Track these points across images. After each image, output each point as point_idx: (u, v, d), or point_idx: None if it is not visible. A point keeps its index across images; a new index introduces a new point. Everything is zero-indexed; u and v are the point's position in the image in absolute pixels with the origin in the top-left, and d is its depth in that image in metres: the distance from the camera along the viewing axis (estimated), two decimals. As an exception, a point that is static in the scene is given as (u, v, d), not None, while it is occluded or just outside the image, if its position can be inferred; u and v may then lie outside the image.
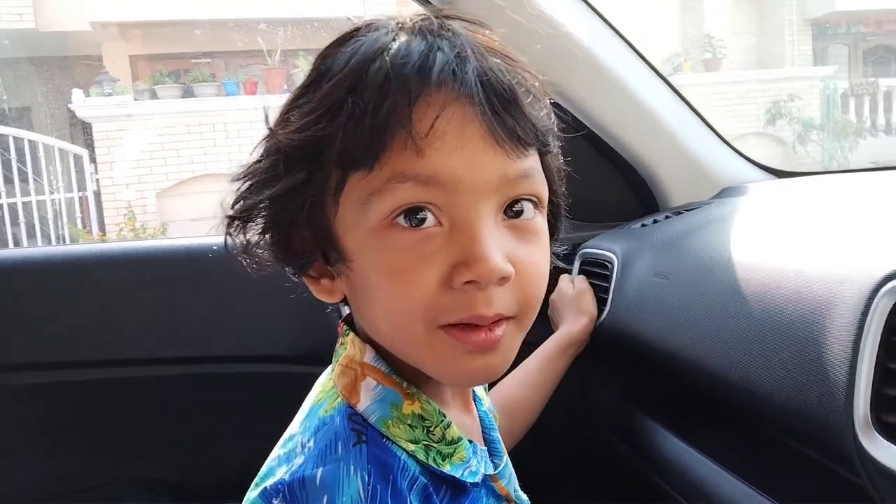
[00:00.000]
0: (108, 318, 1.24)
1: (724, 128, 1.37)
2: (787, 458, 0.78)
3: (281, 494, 0.54)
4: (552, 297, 1.20)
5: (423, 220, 0.54)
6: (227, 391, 1.28)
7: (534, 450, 1.23)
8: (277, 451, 0.60)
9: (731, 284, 0.83)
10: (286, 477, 0.54)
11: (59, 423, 1.27)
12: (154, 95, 6.69)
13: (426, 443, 0.59)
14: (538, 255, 0.59)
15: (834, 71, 8.72)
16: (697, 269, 0.94)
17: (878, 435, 0.61)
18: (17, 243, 5.82)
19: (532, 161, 0.57)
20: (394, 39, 0.55)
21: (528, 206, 0.58)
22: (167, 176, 6.39)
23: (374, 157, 0.52)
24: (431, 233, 0.54)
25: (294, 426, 0.61)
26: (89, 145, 6.29)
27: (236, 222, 0.62)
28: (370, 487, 0.53)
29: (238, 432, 1.23)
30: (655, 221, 1.23)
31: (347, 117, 0.53)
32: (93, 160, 6.21)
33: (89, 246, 1.49)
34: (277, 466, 0.57)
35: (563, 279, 1.22)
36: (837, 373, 0.64)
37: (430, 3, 1.15)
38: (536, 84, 0.58)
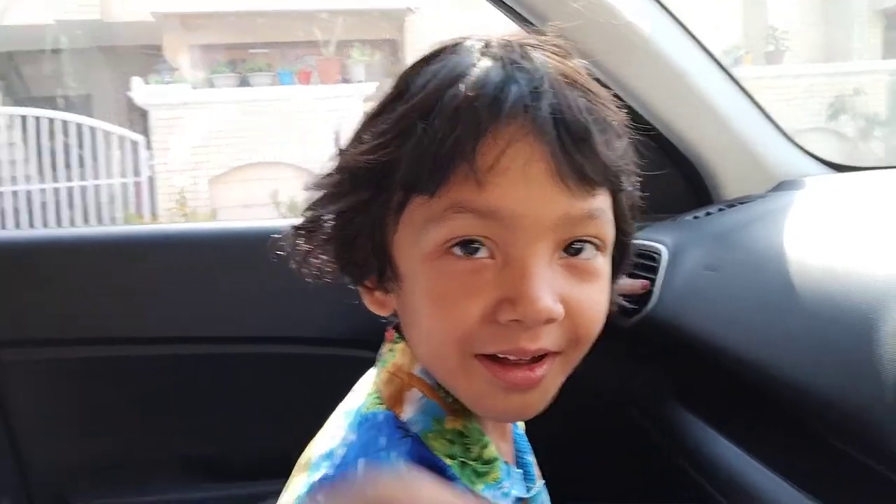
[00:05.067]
0: (152, 297, 1.27)
1: (785, 123, 1.33)
2: (835, 460, 0.76)
3: (324, 490, 0.54)
4: None
5: (477, 250, 0.53)
6: (270, 372, 1.30)
7: (577, 445, 1.21)
8: (320, 446, 0.60)
9: (783, 279, 0.80)
10: (329, 472, 0.55)
11: (100, 398, 1.31)
12: (211, 84, 6.82)
13: (463, 459, 0.59)
14: (595, 294, 0.57)
15: (904, 64, 8.39)
16: (749, 262, 0.92)
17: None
18: (73, 226, 6.00)
19: (600, 201, 0.55)
20: (474, 65, 0.54)
21: (588, 248, 0.56)
22: (220, 163, 6.51)
23: (435, 186, 0.52)
24: (484, 264, 0.53)
25: (336, 422, 0.61)
26: (146, 132, 6.45)
27: (301, 231, 0.63)
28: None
29: (279, 412, 1.25)
30: (708, 214, 1.21)
31: (416, 144, 0.53)
32: (149, 147, 6.37)
33: (135, 227, 1.53)
34: (322, 461, 0.57)
35: None
36: (888, 371, 0.62)
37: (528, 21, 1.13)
38: (617, 121, 0.56)
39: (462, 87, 0.52)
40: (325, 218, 0.61)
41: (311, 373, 1.08)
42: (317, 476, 0.55)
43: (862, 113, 7.49)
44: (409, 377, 0.61)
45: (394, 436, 0.56)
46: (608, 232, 0.57)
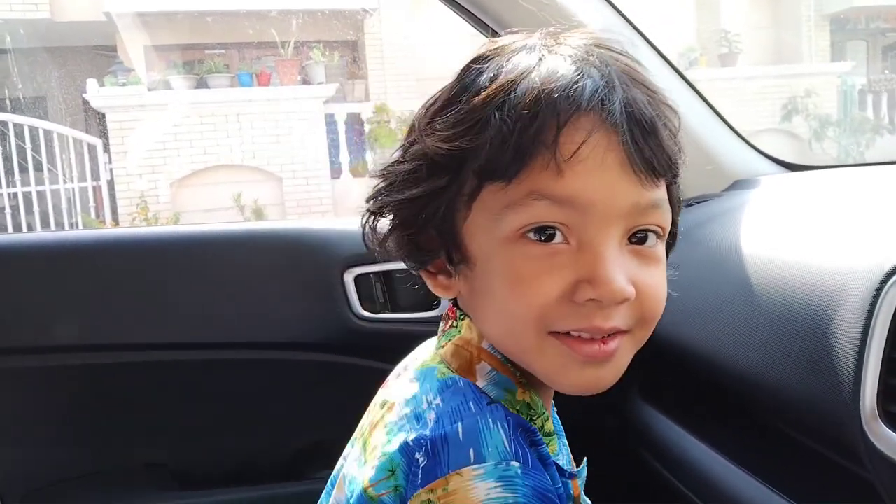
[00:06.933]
0: (116, 303, 1.25)
1: (740, 124, 1.36)
2: (798, 453, 0.78)
3: (424, 449, 0.55)
4: None
5: (552, 236, 0.56)
6: (233, 378, 1.28)
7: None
8: (400, 410, 0.61)
9: (740, 276, 0.82)
10: (427, 433, 0.56)
11: (64, 407, 1.28)
12: (168, 86, 6.69)
13: None
14: (658, 277, 0.61)
15: (852, 67, 8.62)
16: (707, 260, 0.94)
17: (883, 426, 0.61)
18: (31, 231, 5.85)
19: (661, 192, 0.59)
20: (539, 60, 0.58)
21: (651, 236, 0.60)
22: (181, 166, 6.40)
23: (514, 173, 0.55)
24: (559, 248, 0.56)
25: (407, 388, 0.63)
26: (103, 135, 6.31)
27: (371, 216, 0.66)
28: (512, 437, 0.55)
29: (242, 419, 1.23)
30: (666, 213, 1.22)
31: (495, 133, 0.56)
32: (107, 150, 6.23)
33: (101, 231, 1.50)
34: (408, 422, 0.59)
35: None
36: (845, 364, 0.64)
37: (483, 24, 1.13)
38: (672, 116, 0.60)
39: (536, 79, 0.56)
40: (393, 205, 0.63)
41: (281, 378, 1.07)
42: (412, 436, 0.57)
43: (814, 113, 7.68)
44: (479, 351, 0.63)
45: (481, 401, 0.58)
46: (668, 221, 0.61)
